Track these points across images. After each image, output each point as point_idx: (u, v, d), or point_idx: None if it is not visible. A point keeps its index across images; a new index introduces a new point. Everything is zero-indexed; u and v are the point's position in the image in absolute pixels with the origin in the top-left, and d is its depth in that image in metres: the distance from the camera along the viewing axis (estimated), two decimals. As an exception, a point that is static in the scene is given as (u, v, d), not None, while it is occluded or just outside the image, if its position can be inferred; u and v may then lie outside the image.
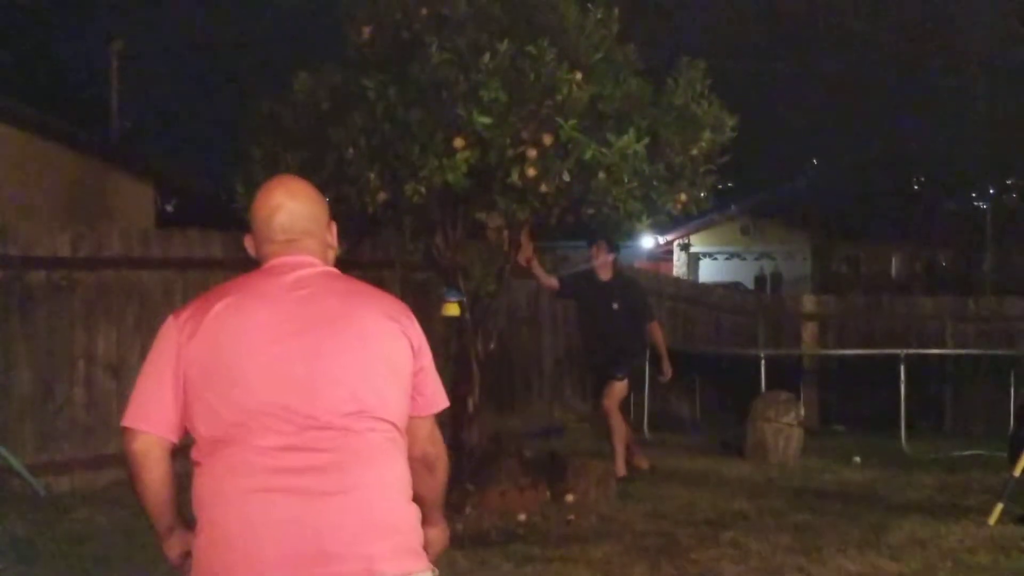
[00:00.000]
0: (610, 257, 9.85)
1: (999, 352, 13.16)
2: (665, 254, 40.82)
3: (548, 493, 8.60)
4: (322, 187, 7.80)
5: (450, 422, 8.78)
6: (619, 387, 9.74)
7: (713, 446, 11.79)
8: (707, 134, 8.08)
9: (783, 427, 10.88)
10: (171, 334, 2.81)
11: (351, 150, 7.59)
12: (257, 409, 2.70)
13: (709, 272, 40.28)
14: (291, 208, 2.95)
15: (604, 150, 7.52)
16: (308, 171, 7.85)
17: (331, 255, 3.04)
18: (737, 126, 8.12)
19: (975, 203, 48.29)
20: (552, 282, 10.04)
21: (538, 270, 9.78)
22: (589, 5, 7.85)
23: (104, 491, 8.84)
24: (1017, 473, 8.13)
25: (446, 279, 8.59)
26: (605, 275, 9.89)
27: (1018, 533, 7.85)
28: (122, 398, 9.00)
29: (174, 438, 2.80)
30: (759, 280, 39.43)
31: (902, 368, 12.18)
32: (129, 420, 2.82)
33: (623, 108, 7.84)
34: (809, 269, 41.18)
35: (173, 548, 2.89)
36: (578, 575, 6.81)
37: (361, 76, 7.72)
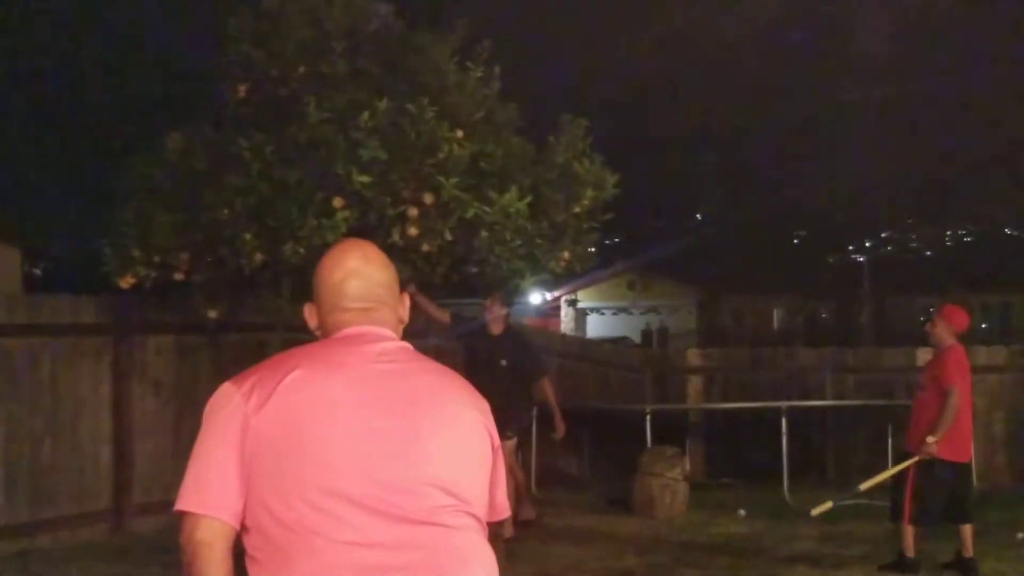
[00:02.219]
0: (503, 312, 9.78)
1: (877, 403, 13.35)
2: (553, 310, 41.03)
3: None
4: (197, 248, 7.73)
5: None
6: (508, 446, 9.63)
7: (601, 502, 11.75)
8: (589, 192, 8.09)
9: (670, 482, 10.88)
10: (233, 404, 2.44)
11: (226, 211, 7.42)
12: (341, 496, 2.36)
13: (597, 327, 40.62)
14: (367, 274, 2.68)
15: (486, 208, 7.48)
16: (181, 232, 7.72)
17: (400, 329, 2.73)
18: (618, 183, 8.14)
19: (853, 256, 49.60)
20: (443, 316, 9.75)
21: (425, 303, 9.41)
22: (469, 64, 7.81)
23: None
24: (907, 523, 8.22)
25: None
26: (496, 329, 9.80)
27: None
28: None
29: (237, 526, 2.41)
30: (646, 334, 39.85)
31: (783, 420, 12.27)
32: (189, 503, 2.42)
33: (505, 166, 7.82)
34: (695, 323, 41.80)
35: None
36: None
37: (237, 135, 7.58)
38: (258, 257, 7.47)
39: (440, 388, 2.58)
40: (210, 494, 2.41)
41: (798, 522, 10.46)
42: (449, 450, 2.49)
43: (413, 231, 7.42)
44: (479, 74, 7.85)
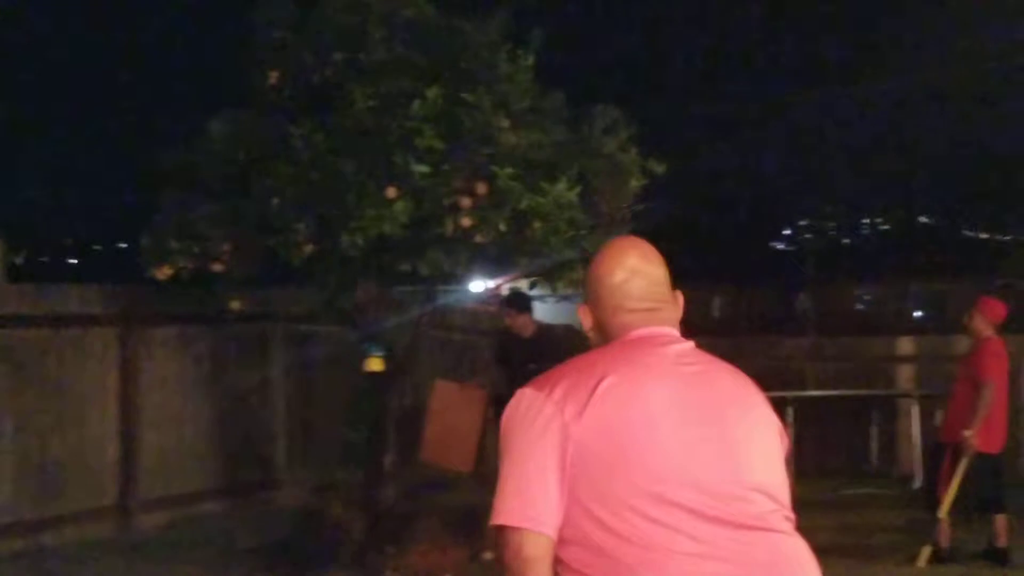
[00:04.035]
0: (521, 317, 9.62)
1: (880, 392, 13.42)
2: (493, 297, 40.88)
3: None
4: (243, 239, 7.49)
5: (363, 480, 8.43)
6: None
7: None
8: (633, 181, 7.98)
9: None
10: (547, 413, 2.36)
11: (276, 200, 7.18)
12: (673, 504, 2.30)
13: (539, 315, 40.50)
14: (648, 273, 2.62)
15: (539, 199, 7.32)
16: (227, 222, 7.49)
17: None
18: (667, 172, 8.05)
19: (793, 243, 50.29)
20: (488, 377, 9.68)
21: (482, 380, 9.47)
22: (519, 51, 7.63)
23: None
24: (943, 515, 8.23)
25: (362, 334, 8.22)
26: (526, 333, 9.65)
27: (950, 572, 7.96)
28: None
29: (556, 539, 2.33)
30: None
31: (791, 410, 12.26)
32: (515, 518, 2.33)
33: (552, 156, 7.66)
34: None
35: None
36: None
37: (285, 123, 7.35)
38: (308, 248, 7.25)
39: (741, 389, 2.54)
40: (535, 508, 2.33)
41: (811, 513, 10.44)
42: (762, 454, 2.46)
43: (467, 222, 7.25)
44: (529, 63, 7.67)
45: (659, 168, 8.01)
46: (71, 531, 9.01)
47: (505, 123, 7.34)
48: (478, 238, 7.33)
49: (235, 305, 8.49)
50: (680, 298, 2.69)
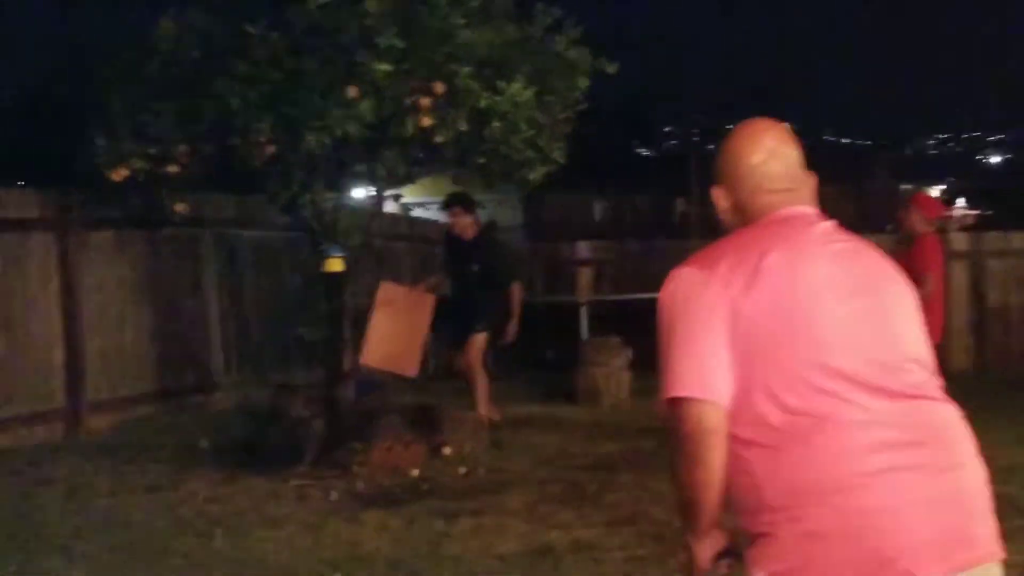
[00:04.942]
0: (468, 218, 9.77)
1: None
2: (374, 205, 40.64)
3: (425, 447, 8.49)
4: (201, 139, 7.47)
5: (324, 379, 8.56)
6: (480, 339, 9.69)
7: (534, 393, 11.91)
8: (583, 81, 8.10)
9: (614, 371, 11.13)
10: (713, 288, 2.42)
11: (237, 101, 7.16)
12: (842, 376, 2.38)
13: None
14: (785, 154, 2.66)
15: (496, 98, 7.43)
16: (184, 123, 7.45)
17: None
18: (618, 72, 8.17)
19: (671, 148, 50.83)
20: (436, 280, 10.20)
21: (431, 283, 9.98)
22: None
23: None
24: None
25: (318, 235, 8.28)
26: (467, 235, 9.81)
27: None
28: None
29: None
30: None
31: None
32: (692, 389, 2.39)
33: (506, 55, 7.75)
34: (521, 218, 42.15)
35: (707, 549, 2.54)
36: (514, 526, 6.76)
37: (238, 22, 7.31)
38: (270, 149, 7.26)
39: (886, 264, 2.62)
40: (710, 380, 2.39)
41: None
42: (912, 325, 2.57)
43: (426, 121, 7.33)
44: (482, -40, 7.71)
45: (610, 68, 8.13)
46: (24, 433, 8.99)
47: (461, 21, 7.40)
48: (438, 138, 7.42)
49: (180, 208, 8.47)
50: (813, 179, 2.75)
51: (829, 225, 2.63)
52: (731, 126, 2.81)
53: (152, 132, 7.46)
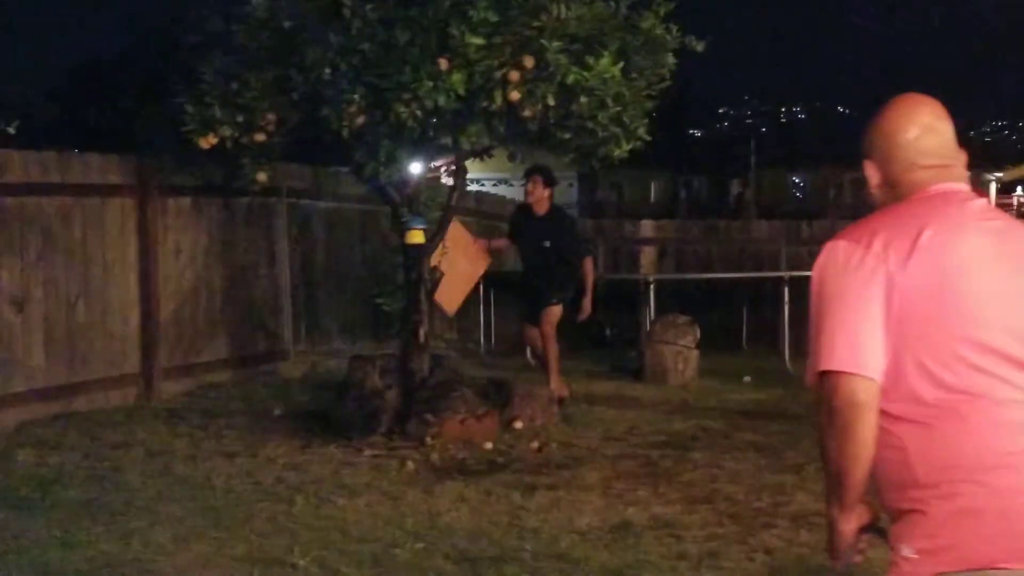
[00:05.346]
0: (546, 192, 9.79)
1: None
2: (432, 180, 40.71)
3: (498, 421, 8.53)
4: (291, 109, 7.51)
5: (400, 352, 8.60)
6: (555, 311, 9.72)
7: (601, 369, 11.93)
8: (670, 59, 8.07)
9: (682, 349, 11.11)
10: (870, 263, 2.42)
11: (328, 71, 7.20)
12: (996, 354, 2.39)
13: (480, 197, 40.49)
14: (940, 130, 2.64)
15: (585, 74, 7.41)
16: (274, 92, 7.50)
17: None
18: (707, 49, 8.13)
19: (725, 130, 50.60)
20: (502, 243, 10.57)
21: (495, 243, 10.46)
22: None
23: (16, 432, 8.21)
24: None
25: (400, 207, 8.32)
26: (540, 209, 9.81)
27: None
28: (28, 332, 8.43)
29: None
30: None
31: (786, 290, 12.55)
32: (846, 364, 2.39)
33: (594, 31, 7.72)
34: (576, 195, 42.11)
35: (851, 523, 2.53)
36: (590, 501, 6.79)
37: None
38: (360, 119, 7.29)
39: None
40: (865, 354, 2.40)
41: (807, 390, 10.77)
42: None
43: (515, 95, 7.33)
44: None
45: (699, 46, 8.08)
46: (99, 397, 9.11)
47: (552, -4, 7.38)
48: (526, 112, 7.43)
49: (262, 177, 8.53)
50: (965, 156, 2.73)
51: (983, 202, 2.63)
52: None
53: (241, 100, 7.50)
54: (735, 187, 47.48)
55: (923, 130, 2.64)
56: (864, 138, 2.71)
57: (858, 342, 2.41)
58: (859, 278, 2.45)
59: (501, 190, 43.30)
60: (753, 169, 40.79)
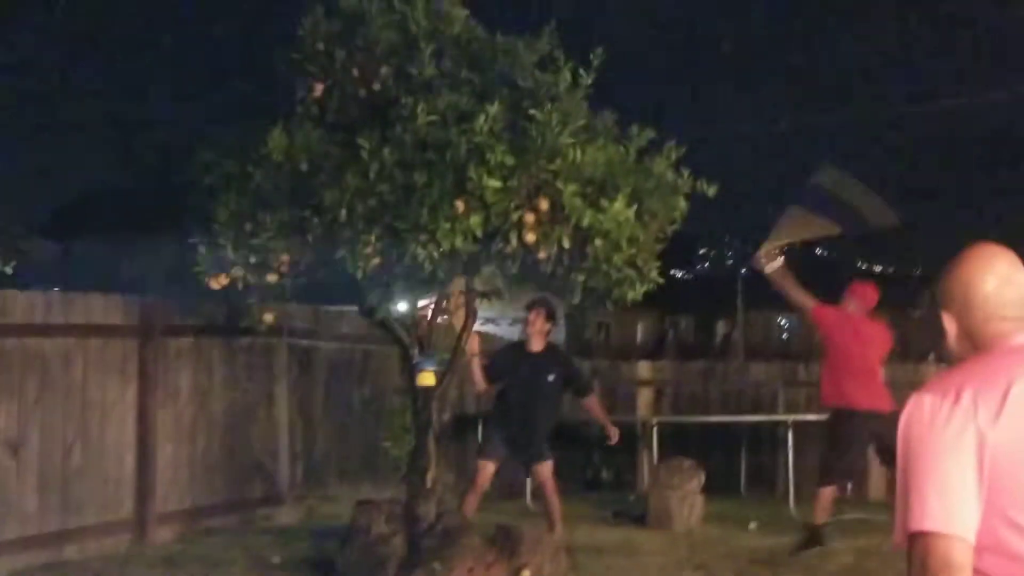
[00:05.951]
0: (547, 326, 9.67)
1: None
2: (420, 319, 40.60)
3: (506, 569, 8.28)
4: (305, 250, 7.43)
5: (406, 497, 8.40)
6: (550, 465, 9.59)
7: (602, 515, 11.69)
8: (682, 202, 8.05)
9: (687, 494, 10.92)
10: (959, 419, 2.39)
11: (344, 212, 7.14)
12: None
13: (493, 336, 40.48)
14: (1018, 281, 2.63)
15: (600, 216, 7.37)
16: (289, 233, 7.44)
17: None
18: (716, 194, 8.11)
19: (713, 270, 50.95)
20: (484, 384, 9.80)
21: (477, 370, 9.59)
22: (582, 72, 7.66)
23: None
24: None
25: (409, 348, 8.19)
26: (537, 346, 9.67)
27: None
28: (21, 477, 8.22)
29: None
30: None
31: (790, 433, 12.42)
32: (940, 524, 2.34)
33: (608, 174, 7.71)
34: (563, 335, 42.10)
35: None
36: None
37: (343, 136, 7.34)
38: (376, 260, 7.22)
39: None
40: (958, 514, 2.35)
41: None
42: None
43: (531, 237, 7.27)
44: (589, 82, 7.71)
45: (710, 190, 8.07)
46: (92, 544, 8.85)
47: (569, 140, 7.39)
48: (541, 254, 7.36)
49: (268, 318, 8.41)
50: None
51: None
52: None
53: (255, 241, 7.42)
54: (721, 327, 47.65)
55: (1001, 281, 2.63)
56: (940, 289, 2.70)
57: (951, 502, 2.36)
58: (949, 434, 2.40)
59: (488, 328, 43.57)
60: (740, 310, 40.89)
